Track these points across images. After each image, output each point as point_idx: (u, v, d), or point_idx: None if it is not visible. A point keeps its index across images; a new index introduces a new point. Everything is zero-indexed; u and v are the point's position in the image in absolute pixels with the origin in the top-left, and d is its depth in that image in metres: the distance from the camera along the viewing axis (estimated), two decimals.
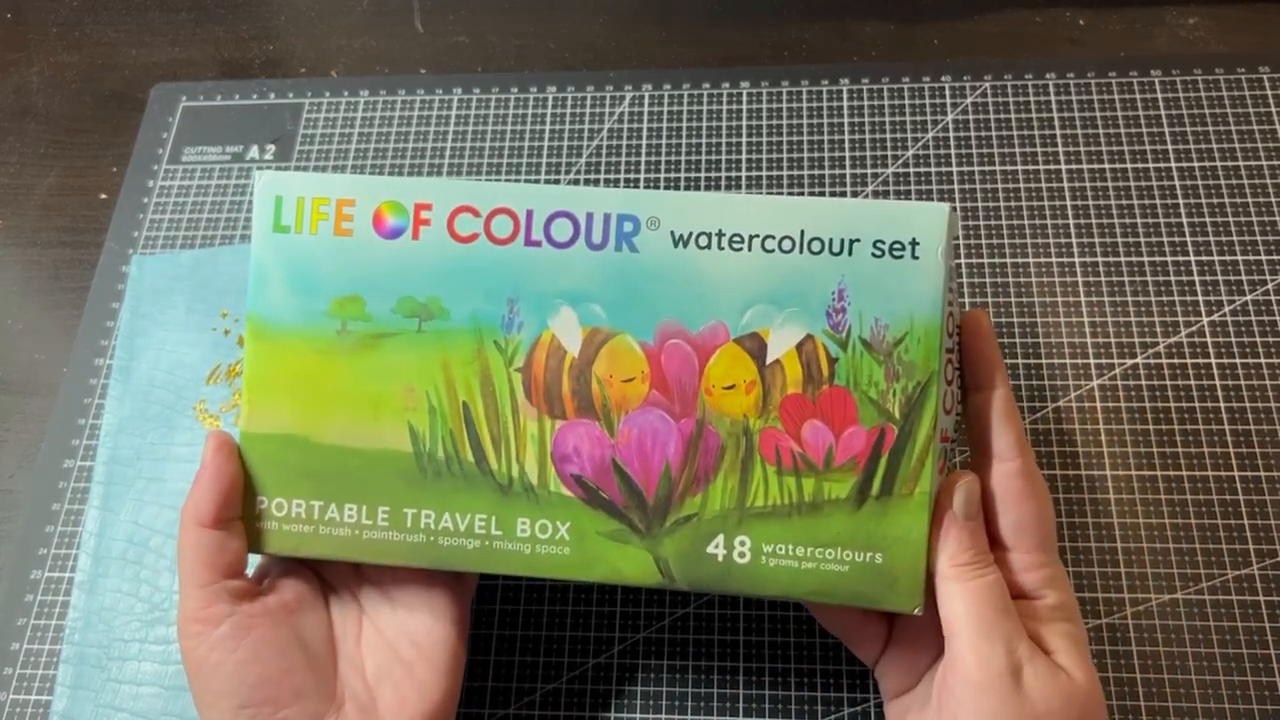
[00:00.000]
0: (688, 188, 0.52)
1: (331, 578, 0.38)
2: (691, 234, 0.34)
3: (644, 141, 0.54)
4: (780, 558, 0.33)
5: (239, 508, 0.35)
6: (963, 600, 0.31)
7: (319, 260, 0.35)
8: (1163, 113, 0.52)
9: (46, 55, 0.61)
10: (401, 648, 0.36)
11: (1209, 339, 0.46)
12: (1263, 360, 0.46)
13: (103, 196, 0.56)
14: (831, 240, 0.33)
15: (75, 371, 0.50)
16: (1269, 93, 0.52)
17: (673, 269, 0.34)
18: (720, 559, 0.33)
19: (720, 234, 0.34)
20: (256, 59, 0.60)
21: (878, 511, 0.33)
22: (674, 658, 0.42)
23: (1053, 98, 0.53)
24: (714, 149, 0.53)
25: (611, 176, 0.53)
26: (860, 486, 0.33)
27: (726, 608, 0.43)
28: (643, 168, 0.53)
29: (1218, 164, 0.50)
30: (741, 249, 0.33)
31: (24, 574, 0.46)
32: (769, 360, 0.33)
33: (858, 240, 0.33)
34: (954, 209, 0.34)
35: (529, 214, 0.34)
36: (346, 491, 0.35)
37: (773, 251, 0.33)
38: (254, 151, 0.55)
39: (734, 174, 0.52)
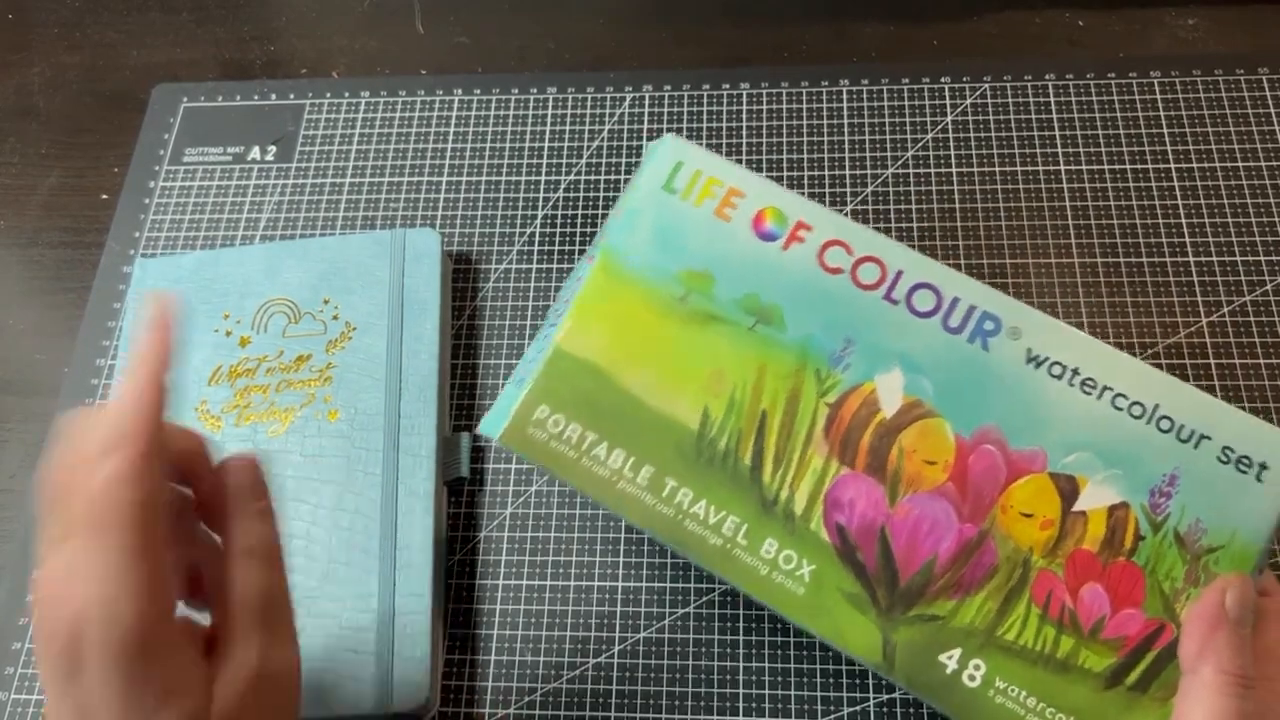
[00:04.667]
0: None
1: None
2: (1048, 359, 0.34)
3: (644, 142, 0.54)
4: (1009, 699, 0.32)
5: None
6: (1213, 714, 0.29)
7: (690, 230, 0.37)
8: (1162, 113, 0.52)
9: (48, 56, 0.61)
10: None
11: (1208, 339, 0.47)
12: (1262, 360, 0.46)
13: (104, 197, 0.56)
14: (1183, 427, 0.33)
15: (76, 371, 0.50)
16: (1268, 93, 0.52)
17: (1016, 381, 0.34)
18: (949, 671, 0.32)
19: (1076, 371, 0.34)
20: (257, 60, 0.60)
21: (1124, 702, 0.31)
22: (674, 658, 0.42)
23: (1053, 98, 0.53)
24: (714, 149, 0.53)
25: (611, 177, 0.53)
26: (1117, 670, 0.32)
27: (727, 608, 0.43)
28: None
29: (1217, 164, 0.50)
30: (1092, 394, 0.33)
31: (25, 574, 0.46)
32: (1076, 508, 0.33)
33: (1209, 438, 0.33)
34: None
35: (899, 273, 0.35)
36: (622, 438, 0.35)
37: (1121, 410, 0.33)
38: (255, 152, 0.55)
39: None
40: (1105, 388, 0.33)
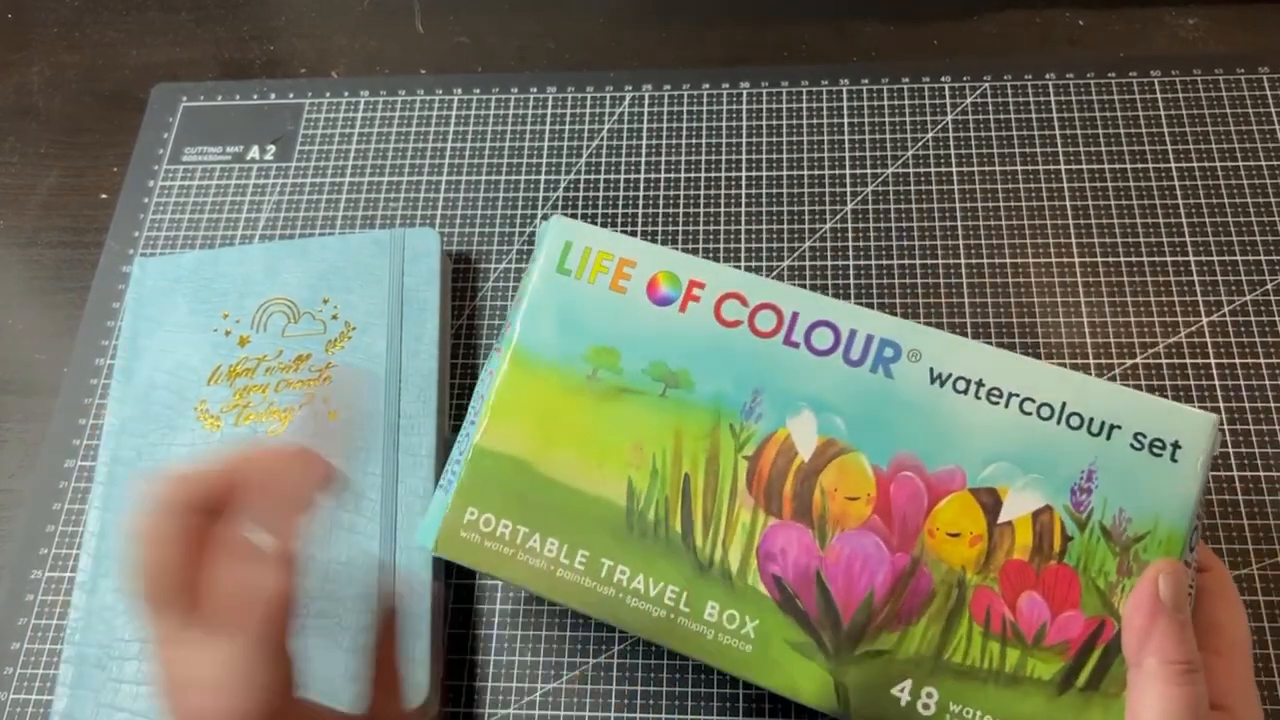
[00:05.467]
0: (688, 187, 0.52)
1: None
2: (951, 375, 0.34)
3: (644, 141, 0.54)
4: None
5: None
6: (1164, 705, 0.29)
7: (590, 308, 0.36)
8: (1163, 113, 0.52)
9: (47, 55, 0.61)
10: None
11: (1209, 339, 0.46)
12: (1262, 360, 0.46)
13: (103, 196, 0.56)
14: (1092, 420, 0.33)
15: (76, 371, 0.50)
16: (1269, 93, 0.52)
17: (923, 404, 0.34)
18: (903, 704, 0.32)
19: (980, 383, 0.34)
20: (257, 59, 0.60)
21: (1078, 704, 0.31)
22: (674, 657, 0.42)
23: (1053, 98, 0.53)
24: (714, 149, 0.53)
25: (611, 176, 0.53)
26: (1066, 673, 0.32)
27: None
28: (643, 168, 0.53)
29: (1218, 164, 0.50)
30: (999, 404, 0.33)
31: (25, 573, 0.46)
32: (1001, 520, 0.33)
33: (1119, 427, 0.33)
34: (1220, 422, 0.34)
35: (794, 316, 0.35)
36: (553, 526, 0.35)
37: (1030, 414, 0.33)
38: (254, 151, 0.55)
39: (734, 174, 0.52)
40: (1011, 394, 0.33)
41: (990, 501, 0.33)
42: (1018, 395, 0.33)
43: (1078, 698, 0.31)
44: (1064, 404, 0.33)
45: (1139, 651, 0.30)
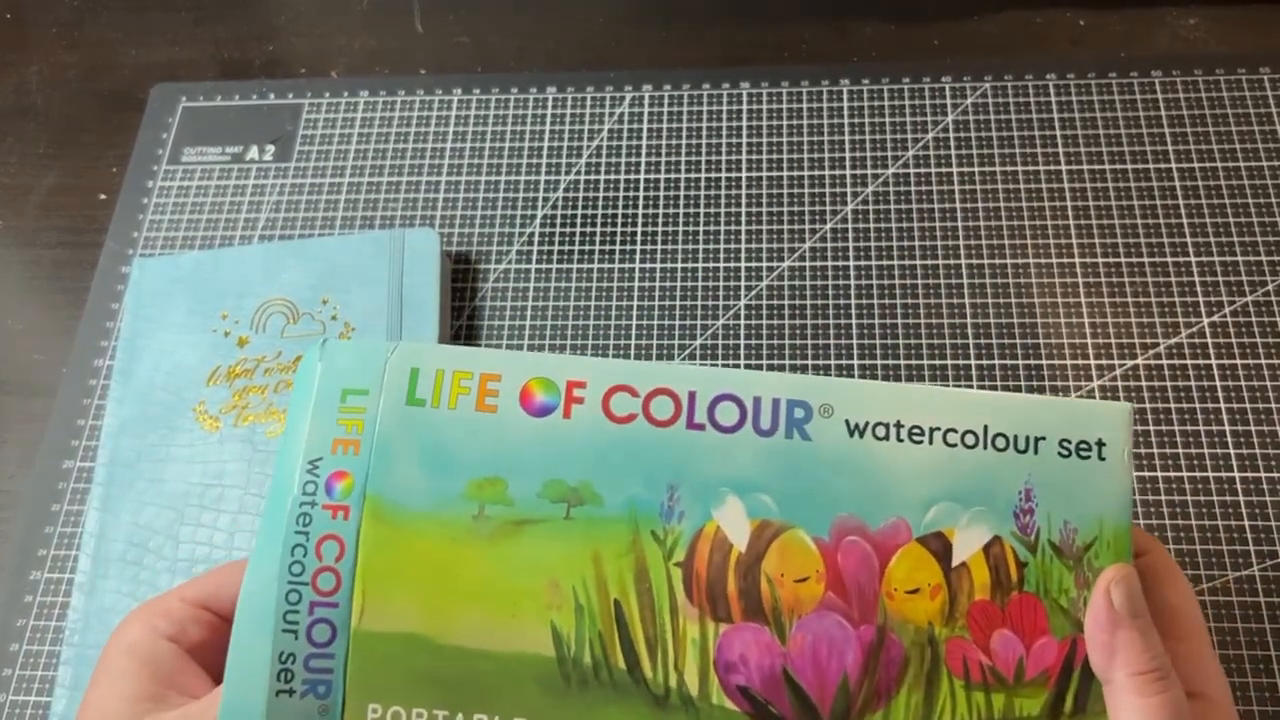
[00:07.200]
0: (688, 187, 0.52)
1: None
2: (868, 424, 0.32)
3: (644, 141, 0.54)
4: None
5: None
6: (1143, 717, 0.28)
7: (458, 437, 0.32)
8: (1163, 113, 0.52)
9: (46, 55, 0.61)
10: None
11: (1209, 339, 0.46)
12: (1263, 361, 0.46)
13: (102, 197, 0.56)
14: (1017, 437, 0.32)
15: (75, 372, 0.50)
16: (1269, 93, 0.52)
17: (849, 460, 0.32)
18: None
19: (899, 425, 0.32)
20: (256, 59, 0.60)
21: None
22: None
23: (1053, 98, 0.53)
24: (714, 149, 0.53)
25: (611, 176, 0.53)
26: (1052, 704, 0.31)
27: None
28: (643, 168, 0.53)
29: (1218, 164, 0.50)
30: (922, 441, 0.32)
31: (23, 575, 0.46)
32: (955, 563, 0.31)
33: (1043, 438, 0.32)
34: (1132, 407, 0.33)
35: (691, 395, 0.32)
36: (476, 701, 0.30)
37: (955, 446, 0.32)
38: (254, 152, 0.55)
39: (734, 174, 0.52)
40: (932, 430, 0.32)
41: (940, 547, 0.31)
42: (939, 429, 0.32)
43: None
44: (985, 427, 0.32)
45: (1107, 668, 0.30)
